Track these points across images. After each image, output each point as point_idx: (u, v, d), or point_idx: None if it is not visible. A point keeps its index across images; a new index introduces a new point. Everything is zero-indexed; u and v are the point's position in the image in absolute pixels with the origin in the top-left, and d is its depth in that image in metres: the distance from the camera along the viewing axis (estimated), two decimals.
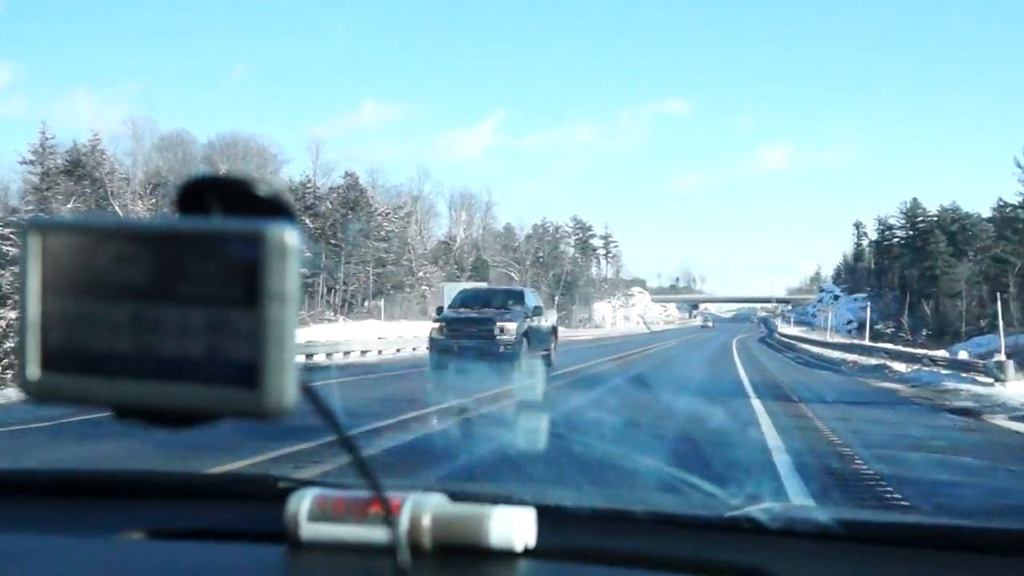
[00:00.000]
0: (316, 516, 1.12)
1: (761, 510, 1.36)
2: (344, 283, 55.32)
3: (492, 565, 1.01)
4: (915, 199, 79.21)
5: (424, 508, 1.09)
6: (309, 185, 60.23)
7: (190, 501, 1.45)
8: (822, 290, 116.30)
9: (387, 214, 59.54)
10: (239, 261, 0.64)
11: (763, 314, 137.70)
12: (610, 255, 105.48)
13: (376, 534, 1.06)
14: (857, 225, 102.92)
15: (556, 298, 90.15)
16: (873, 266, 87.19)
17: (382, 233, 57.76)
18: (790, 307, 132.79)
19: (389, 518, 1.05)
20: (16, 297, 0.68)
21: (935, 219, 77.27)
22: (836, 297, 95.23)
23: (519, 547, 1.05)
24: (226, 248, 0.65)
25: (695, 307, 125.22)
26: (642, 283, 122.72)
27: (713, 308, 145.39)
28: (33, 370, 0.68)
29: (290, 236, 0.63)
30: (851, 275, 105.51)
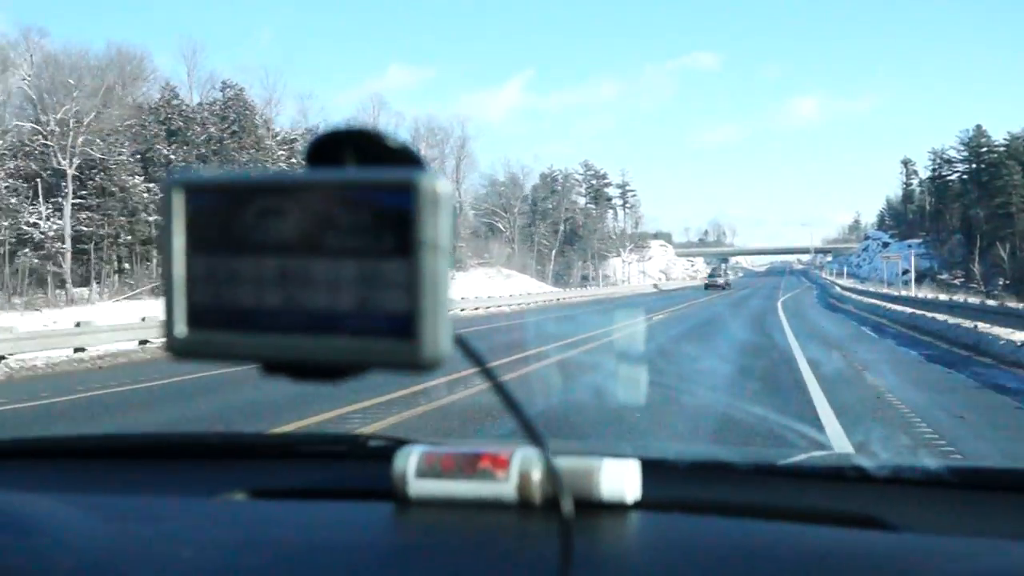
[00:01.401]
0: (424, 472, 1.14)
1: (867, 457, 1.35)
2: None
3: (603, 518, 1.04)
4: (979, 126, 66.26)
5: (533, 463, 1.11)
6: (178, 103, 52.58)
7: (286, 461, 1.50)
8: (867, 237, 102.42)
9: (291, 141, 47.35)
10: (391, 210, 0.65)
11: (800, 266, 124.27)
12: (627, 205, 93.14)
13: (486, 489, 1.10)
14: (906, 163, 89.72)
15: (554, 253, 77.36)
16: (929, 207, 73.88)
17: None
18: (829, 257, 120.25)
19: (499, 473, 1.09)
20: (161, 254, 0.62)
21: (1004, 148, 63.70)
22: (885, 244, 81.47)
23: (630, 499, 1.09)
24: (377, 198, 0.66)
25: (724, 261, 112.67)
26: (667, 237, 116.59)
27: (745, 261, 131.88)
28: (179, 328, 0.70)
29: (442, 184, 0.64)
30: (898, 220, 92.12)
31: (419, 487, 1.13)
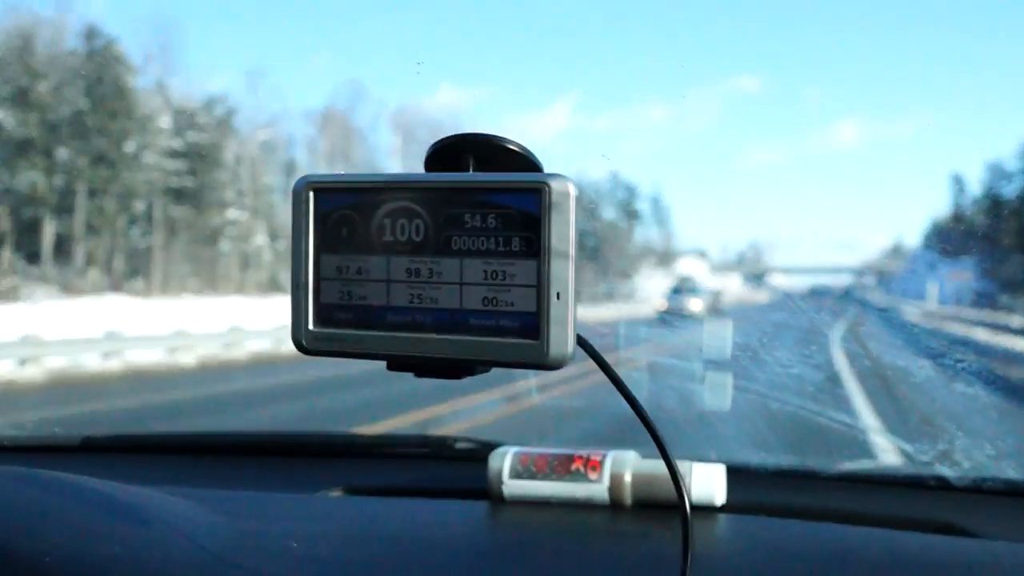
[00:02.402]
0: (518, 473, 1.19)
1: (949, 467, 1.41)
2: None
3: (693, 520, 1.01)
4: None
5: (624, 465, 1.17)
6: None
7: (379, 461, 1.61)
8: (914, 259, 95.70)
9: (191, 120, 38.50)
10: (520, 213, 0.67)
11: (841, 288, 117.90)
12: (659, 220, 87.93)
13: (578, 490, 1.16)
14: (957, 179, 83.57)
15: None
16: (983, 225, 67.45)
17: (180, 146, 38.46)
18: (872, 279, 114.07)
19: (591, 475, 1.13)
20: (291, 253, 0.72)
21: None
22: (933, 266, 74.24)
23: (718, 502, 1.13)
24: (507, 200, 0.68)
25: (760, 278, 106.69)
26: (704, 255, 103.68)
27: (783, 280, 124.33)
28: (308, 325, 0.73)
29: (572, 188, 0.66)
30: (946, 239, 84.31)
31: (513, 487, 1.19)
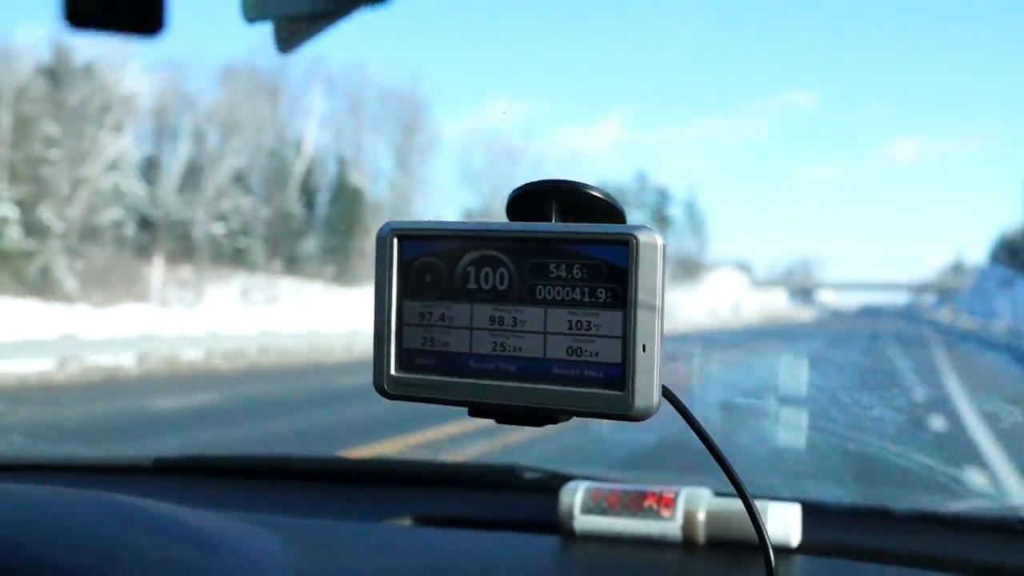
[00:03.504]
0: (589, 508, 1.19)
1: None
2: None
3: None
4: None
5: (698, 503, 1.16)
6: None
7: (447, 489, 1.61)
8: (981, 275, 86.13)
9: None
10: (607, 264, 0.66)
11: (896, 306, 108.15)
12: (694, 228, 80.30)
13: (651, 527, 1.15)
14: None
15: None
16: None
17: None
18: (933, 297, 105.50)
19: (664, 512, 1.14)
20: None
21: None
22: (1008, 282, 65.90)
23: (794, 543, 1.12)
24: (594, 251, 0.68)
25: (809, 293, 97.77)
26: (743, 266, 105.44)
27: (831, 297, 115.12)
28: (390, 370, 0.74)
29: (659, 240, 0.66)
30: (1013, 255, 76.93)
31: (585, 522, 1.19)
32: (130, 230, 35.96)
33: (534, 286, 0.68)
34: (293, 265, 40.77)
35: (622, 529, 1.16)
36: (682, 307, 76.26)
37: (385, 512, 1.40)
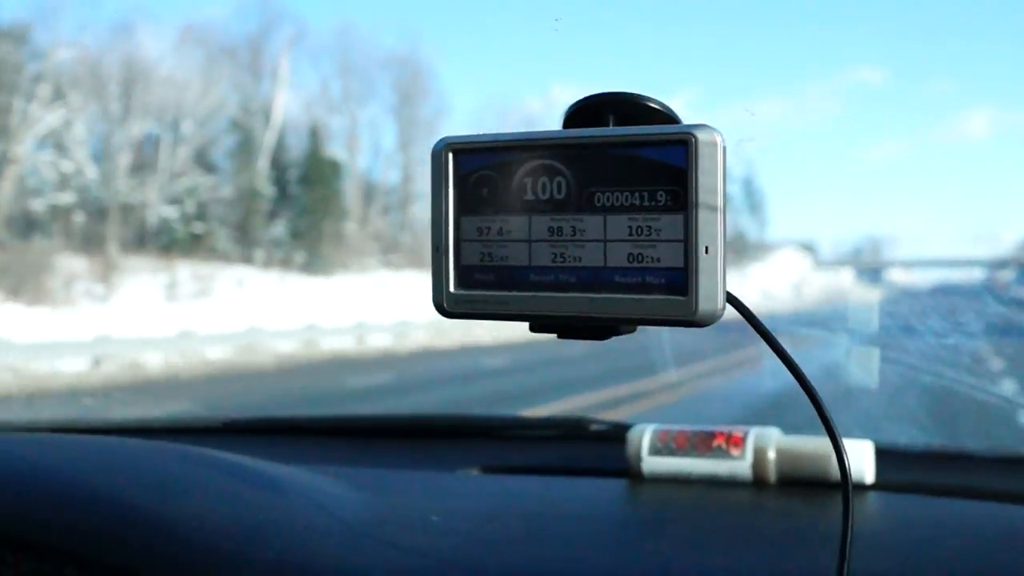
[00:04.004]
0: (657, 450, 1.21)
1: None
2: None
3: (839, 499, 1.07)
4: None
5: (768, 442, 1.17)
6: None
7: (513, 442, 1.67)
8: None
9: None
10: (666, 166, 0.66)
11: (972, 283, 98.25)
12: (752, 206, 74.50)
13: (720, 467, 1.16)
14: None
15: None
16: None
17: None
18: (1012, 273, 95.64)
19: (733, 451, 1.16)
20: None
21: None
22: None
23: (869, 480, 1.14)
24: (652, 154, 0.67)
25: (877, 273, 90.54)
26: (807, 246, 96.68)
27: (902, 276, 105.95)
28: (449, 287, 0.75)
29: (719, 138, 0.65)
30: None
31: (653, 463, 1.20)
32: (73, 216, 31.05)
33: (592, 193, 0.68)
34: (255, 252, 35.64)
35: (690, 469, 1.17)
36: (733, 290, 69.86)
37: (454, 464, 1.45)
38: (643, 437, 1.20)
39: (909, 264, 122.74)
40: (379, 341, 21.08)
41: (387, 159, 45.35)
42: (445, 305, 0.73)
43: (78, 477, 1.08)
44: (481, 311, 0.73)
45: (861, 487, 1.11)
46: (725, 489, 1.13)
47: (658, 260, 0.65)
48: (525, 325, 0.72)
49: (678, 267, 0.64)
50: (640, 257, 0.66)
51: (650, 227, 0.65)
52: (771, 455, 1.14)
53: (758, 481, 1.13)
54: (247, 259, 34.83)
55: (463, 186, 0.72)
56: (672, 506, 1.14)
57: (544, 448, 1.61)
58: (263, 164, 36.96)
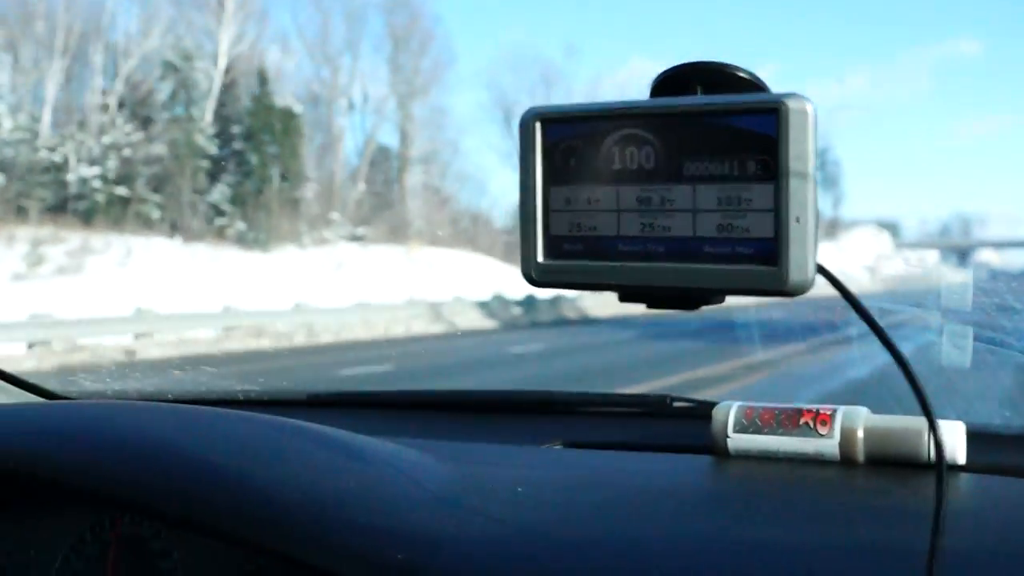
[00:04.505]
0: (742, 427, 1.20)
1: None
2: None
3: (929, 479, 1.12)
4: None
5: (856, 420, 1.17)
6: None
7: (597, 419, 1.69)
8: None
9: None
10: (756, 135, 0.66)
11: None
12: (827, 181, 72.93)
13: (807, 444, 1.16)
14: None
15: None
16: None
17: None
18: None
19: (821, 429, 1.16)
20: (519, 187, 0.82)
21: None
22: None
23: (960, 461, 1.15)
24: (742, 122, 0.67)
25: (965, 255, 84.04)
26: (887, 225, 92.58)
27: (993, 257, 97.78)
28: (537, 257, 0.76)
29: (810, 107, 0.65)
30: None
31: (738, 440, 1.21)
32: None
33: (681, 163, 0.68)
34: (193, 221, 29.87)
35: (777, 447, 1.16)
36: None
37: (534, 438, 1.45)
38: (729, 414, 1.19)
39: (1000, 245, 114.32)
40: (249, 340, 17.97)
41: (377, 115, 39.87)
42: (534, 275, 0.75)
43: (176, 443, 1.14)
44: (569, 281, 0.74)
45: (952, 467, 1.11)
46: (812, 467, 1.14)
47: (748, 230, 0.65)
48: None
49: (768, 237, 0.65)
50: (730, 227, 0.66)
51: (740, 197, 0.65)
52: (860, 433, 1.12)
53: (846, 460, 1.13)
54: (176, 229, 29.83)
55: (551, 156, 0.72)
56: (758, 483, 1.14)
57: (626, 424, 1.65)
58: (205, 116, 31.81)
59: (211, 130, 32.79)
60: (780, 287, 0.64)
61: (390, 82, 40.75)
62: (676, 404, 1.58)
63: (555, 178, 0.72)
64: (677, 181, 0.68)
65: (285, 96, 35.18)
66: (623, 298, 0.74)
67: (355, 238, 35.00)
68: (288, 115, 33.59)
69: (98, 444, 1.14)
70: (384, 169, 42.53)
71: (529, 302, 22.71)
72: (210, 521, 1.01)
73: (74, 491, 1.16)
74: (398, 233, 35.65)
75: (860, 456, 1.12)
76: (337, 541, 0.96)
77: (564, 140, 0.72)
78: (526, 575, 0.92)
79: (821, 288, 0.73)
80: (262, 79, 33.91)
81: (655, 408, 1.63)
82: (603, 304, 20.65)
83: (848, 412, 1.15)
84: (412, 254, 32.37)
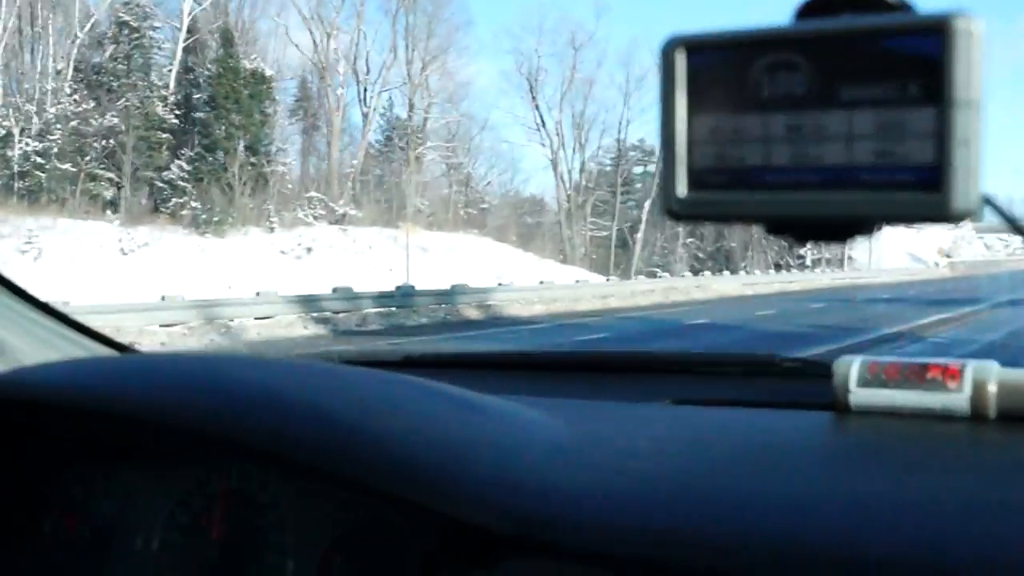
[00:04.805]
0: (866, 382, 1.17)
1: None
2: None
3: None
4: None
5: (988, 375, 1.14)
6: None
7: (709, 378, 1.69)
8: None
9: None
10: (918, 56, 0.64)
11: None
12: None
13: (934, 399, 1.13)
14: None
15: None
16: None
17: None
18: None
19: (950, 384, 1.14)
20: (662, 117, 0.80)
21: None
22: None
23: None
24: (901, 43, 0.64)
25: None
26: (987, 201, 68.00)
27: None
28: (681, 190, 0.75)
29: (978, 24, 0.63)
30: None
31: (861, 395, 1.17)
32: None
33: (835, 88, 0.66)
34: (144, 201, 26.39)
35: (903, 402, 1.13)
36: (860, 254, 58.47)
37: (645, 396, 1.48)
38: (851, 368, 1.17)
39: None
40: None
41: (380, 83, 36.08)
42: (676, 209, 0.73)
43: (299, 394, 1.14)
44: (715, 213, 0.72)
45: None
46: (940, 423, 1.12)
47: (910, 156, 0.63)
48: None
49: (931, 163, 0.62)
50: (889, 153, 0.64)
51: (900, 121, 0.63)
52: (992, 388, 1.10)
53: (976, 415, 1.11)
54: (117, 211, 26.59)
55: (695, 84, 0.70)
56: (883, 438, 1.13)
57: (736, 383, 1.66)
58: (165, 83, 28.12)
59: (173, 99, 29.49)
60: (943, 213, 0.62)
61: (400, 46, 36.93)
62: (785, 364, 1.62)
63: (699, 108, 0.70)
64: (830, 107, 0.65)
65: (254, 59, 32.15)
66: (771, 231, 0.72)
67: (336, 220, 32.90)
68: (258, 79, 29.50)
69: (221, 393, 1.16)
70: (390, 145, 39.24)
71: None
72: (335, 468, 1.04)
73: (194, 440, 1.19)
74: (391, 216, 32.44)
75: (991, 411, 1.09)
76: (463, 489, 0.98)
77: (708, 68, 0.69)
78: (649, 524, 0.92)
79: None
80: (226, 38, 29.71)
81: (764, 366, 1.68)
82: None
83: (979, 366, 1.12)
84: (408, 238, 29.20)
